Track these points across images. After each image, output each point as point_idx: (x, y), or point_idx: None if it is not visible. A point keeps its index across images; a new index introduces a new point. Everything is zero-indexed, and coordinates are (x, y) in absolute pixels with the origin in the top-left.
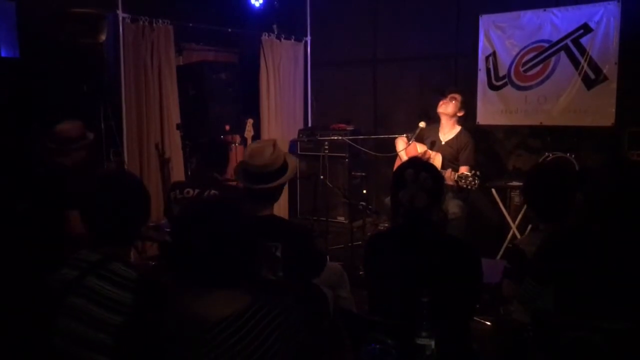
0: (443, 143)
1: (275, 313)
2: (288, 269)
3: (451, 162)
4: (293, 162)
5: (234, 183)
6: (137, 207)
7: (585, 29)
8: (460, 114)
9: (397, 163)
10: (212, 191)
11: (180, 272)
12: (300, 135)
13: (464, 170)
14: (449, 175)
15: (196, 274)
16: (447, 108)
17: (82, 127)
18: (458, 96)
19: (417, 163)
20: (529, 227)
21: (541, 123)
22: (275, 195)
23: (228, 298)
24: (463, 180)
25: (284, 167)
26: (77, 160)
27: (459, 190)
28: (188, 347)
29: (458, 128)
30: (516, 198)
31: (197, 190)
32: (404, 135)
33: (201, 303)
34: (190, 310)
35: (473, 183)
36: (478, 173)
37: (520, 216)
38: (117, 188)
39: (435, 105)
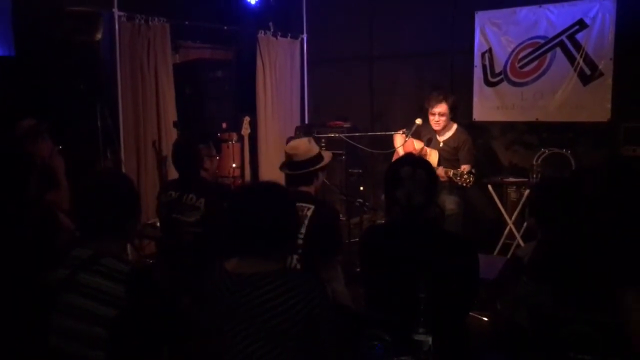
0: (440, 141)
1: (297, 284)
2: (310, 243)
3: (450, 160)
4: (328, 155)
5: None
6: (123, 203)
7: (581, 24)
8: (451, 115)
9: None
10: (190, 195)
11: (227, 243)
12: (297, 132)
13: (463, 168)
14: (440, 172)
15: (239, 245)
16: (441, 127)
17: (31, 120)
18: (442, 106)
19: (413, 160)
20: (525, 223)
21: (537, 119)
22: (306, 179)
23: (261, 263)
24: (459, 177)
25: (315, 158)
26: (39, 154)
27: (454, 187)
28: (221, 301)
29: (454, 126)
30: (512, 194)
31: (178, 193)
32: (402, 131)
33: (239, 265)
34: (229, 270)
35: (468, 180)
36: (473, 171)
37: (516, 212)
38: (102, 185)
39: None
